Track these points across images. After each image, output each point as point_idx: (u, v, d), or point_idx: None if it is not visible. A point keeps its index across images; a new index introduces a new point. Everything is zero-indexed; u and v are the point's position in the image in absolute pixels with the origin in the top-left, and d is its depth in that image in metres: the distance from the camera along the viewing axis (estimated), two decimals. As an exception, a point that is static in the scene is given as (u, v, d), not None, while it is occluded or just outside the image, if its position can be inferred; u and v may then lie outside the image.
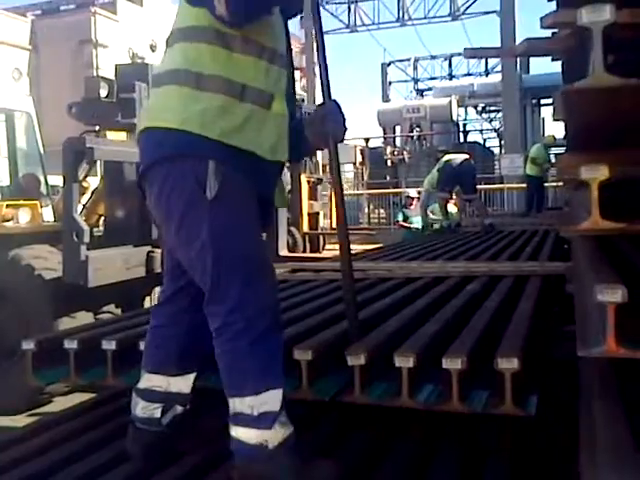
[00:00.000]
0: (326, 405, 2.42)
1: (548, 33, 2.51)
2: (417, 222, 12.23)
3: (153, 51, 27.98)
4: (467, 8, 30.51)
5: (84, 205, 6.87)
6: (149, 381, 2.36)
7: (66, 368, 2.78)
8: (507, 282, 3.90)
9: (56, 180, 7.90)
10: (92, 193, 7.22)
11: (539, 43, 2.35)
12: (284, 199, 2.40)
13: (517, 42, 24.19)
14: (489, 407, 2.13)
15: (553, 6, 2.74)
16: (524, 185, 17.02)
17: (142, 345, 2.63)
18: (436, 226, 11.00)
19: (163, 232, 2.31)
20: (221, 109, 2.07)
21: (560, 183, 15.28)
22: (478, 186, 11.39)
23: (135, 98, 6.38)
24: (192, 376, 2.38)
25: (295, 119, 2.42)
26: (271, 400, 2.04)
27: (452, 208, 11.73)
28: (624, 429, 1.52)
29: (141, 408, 2.35)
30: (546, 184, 16.70)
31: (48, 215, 7.33)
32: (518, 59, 25.21)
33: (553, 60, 3.07)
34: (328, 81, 2.48)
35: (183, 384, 2.37)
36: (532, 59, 28.64)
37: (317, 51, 2.51)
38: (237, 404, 2.06)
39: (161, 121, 2.12)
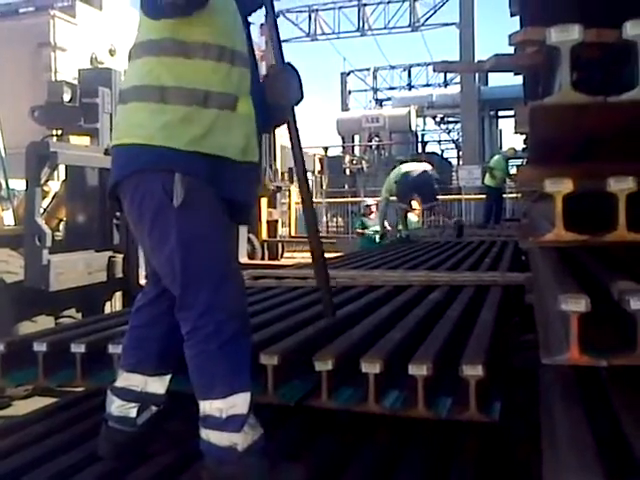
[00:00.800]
0: (294, 409, 2.45)
1: (506, 44, 2.57)
2: (375, 230, 12.29)
3: (112, 55, 27.69)
4: (427, 19, 30.83)
5: (45, 209, 6.81)
6: (126, 380, 2.37)
7: (34, 370, 2.77)
8: (468, 292, 3.96)
9: (15, 184, 7.82)
10: (53, 197, 7.16)
11: (506, 59, 2.41)
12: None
13: (476, 53, 24.58)
14: (454, 413, 2.18)
15: (512, 19, 2.82)
16: (482, 196, 17.18)
17: (111, 348, 2.67)
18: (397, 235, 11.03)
19: (138, 239, 2.34)
20: (185, 119, 2.11)
21: (518, 195, 15.52)
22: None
23: (98, 103, 6.35)
24: (168, 377, 2.40)
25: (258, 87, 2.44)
26: (239, 403, 2.08)
27: (413, 217, 11.82)
28: (586, 432, 1.57)
29: (116, 407, 2.37)
30: (504, 195, 16.89)
31: (8, 219, 7.25)
32: (477, 71, 25.51)
33: (515, 74, 3.13)
34: (280, 44, 2.55)
35: (159, 385, 2.39)
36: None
37: (266, 16, 2.55)
38: (206, 407, 2.10)
39: (130, 137, 2.17)
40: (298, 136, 2.63)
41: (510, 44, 2.02)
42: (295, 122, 2.58)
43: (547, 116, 1.64)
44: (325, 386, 2.35)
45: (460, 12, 25.89)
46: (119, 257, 6.06)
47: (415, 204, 11.23)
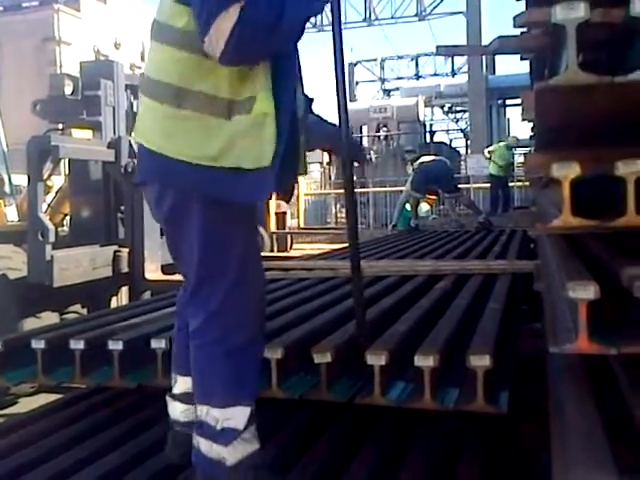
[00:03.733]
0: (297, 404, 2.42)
1: (514, 32, 2.52)
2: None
3: (117, 49, 27.70)
4: (434, 9, 30.71)
5: (49, 204, 6.79)
6: (185, 384, 2.24)
7: (33, 368, 2.74)
8: (476, 280, 3.91)
9: (18, 179, 7.80)
10: (57, 192, 7.14)
11: (511, 41, 2.36)
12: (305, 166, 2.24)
13: (483, 42, 24.47)
14: (461, 404, 2.13)
15: (519, 6, 2.76)
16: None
17: (111, 344, 2.63)
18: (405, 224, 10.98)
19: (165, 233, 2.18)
20: (205, 132, 1.90)
21: (526, 183, 15.50)
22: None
23: (100, 95, 6.32)
24: None
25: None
26: (237, 416, 1.97)
27: (424, 206, 11.81)
28: (597, 424, 1.52)
29: (181, 412, 2.26)
30: (511, 184, 16.93)
31: (12, 214, 7.24)
32: (484, 60, 25.46)
33: (522, 59, 3.08)
34: (346, 107, 2.32)
35: None
36: (498, 60, 28.95)
37: (335, 74, 2.32)
38: (203, 413, 2.00)
39: (145, 139, 2.01)
40: (352, 183, 2.41)
41: (515, 26, 1.97)
42: (352, 175, 2.39)
43: (553, 97, 1.59)
44: (324, 378, 2.32)
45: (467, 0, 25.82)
46: (124, 251, 6.02)
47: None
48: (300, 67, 2.16)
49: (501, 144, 16.29)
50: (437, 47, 2.66)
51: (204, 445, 1.99)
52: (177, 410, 2.28)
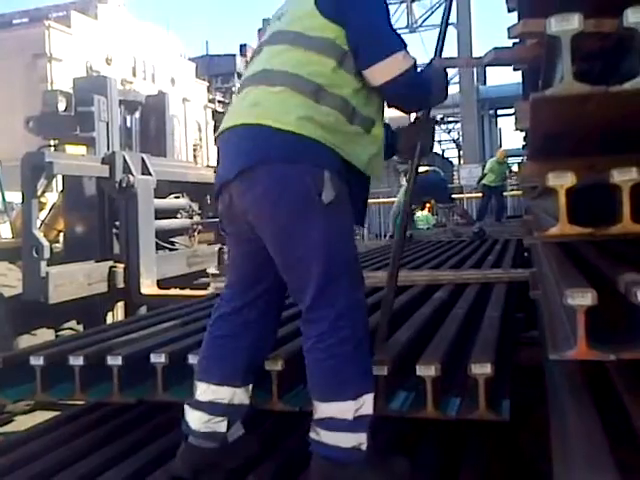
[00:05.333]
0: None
1: (505, 43, 2.54)
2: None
3: (109, 64, 27.77)
4: (424, 20, 30.88)
5: (42, 221, 6.77)
6: (214, 393, 2.25)
7: (32, 385, 2.73)
8: (473, 289, 3.93)
9: (11, 196, 7.79)
10: (50, 209, 7.13)
11: (505, 52, 2.38)
12: None
13: (474, 53, 24.60)
14: (463, 413, 2.15)
15: (509, 18, 2.78)
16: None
17: (110, 360, 2.61)
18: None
19: (243, 234, 2.27)
20: (335, 124, 2.14)
21: (519, 192, 15.60)
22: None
23: (94, 111, 6.32)
24: (251, 387, 2.33)
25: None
26: (368, 403, 2.05)
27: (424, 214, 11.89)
28: (597, 428, 1.54)
29: (203, 422, 2.24)
30: (505, 193, 17.14)
31: (5, 232, 7.22)
32: (475, 70, 25.59)
33: (515, 70, 3.10)
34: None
35: (245, 396, 2.30)
36: (489, 70, 29.11)
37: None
38: (329, 409, 2.05)
39: (274, 121, 2.10)
40: (416, 177, 2.70)
41: (509, 37, 1.99)
42: (418, 167, 2.66)
43: (549, 108, 1.60)
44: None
45: (457, 11, 25.95)
46: (120, 267, 6.00)
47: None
48: None
49: (492, 159, 16.69)
50: (432, 59, 2.68)
51: (336, 438, 2.03)
52: (199, 420, 2.26)
